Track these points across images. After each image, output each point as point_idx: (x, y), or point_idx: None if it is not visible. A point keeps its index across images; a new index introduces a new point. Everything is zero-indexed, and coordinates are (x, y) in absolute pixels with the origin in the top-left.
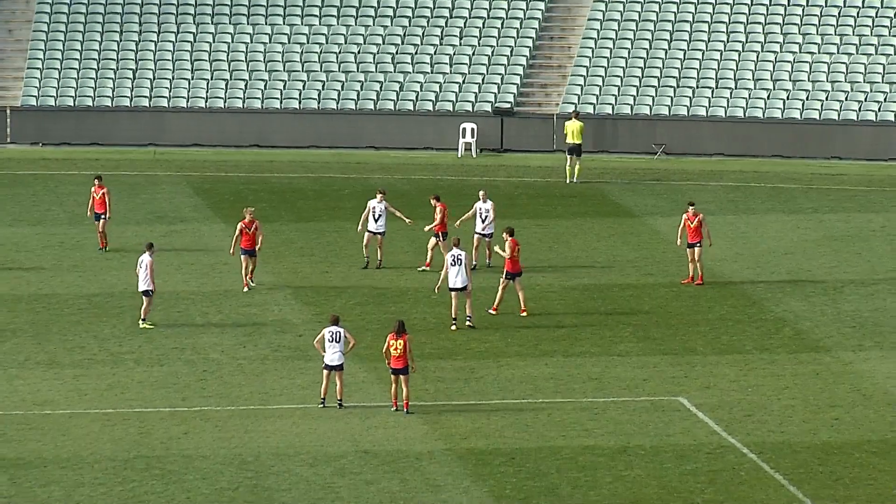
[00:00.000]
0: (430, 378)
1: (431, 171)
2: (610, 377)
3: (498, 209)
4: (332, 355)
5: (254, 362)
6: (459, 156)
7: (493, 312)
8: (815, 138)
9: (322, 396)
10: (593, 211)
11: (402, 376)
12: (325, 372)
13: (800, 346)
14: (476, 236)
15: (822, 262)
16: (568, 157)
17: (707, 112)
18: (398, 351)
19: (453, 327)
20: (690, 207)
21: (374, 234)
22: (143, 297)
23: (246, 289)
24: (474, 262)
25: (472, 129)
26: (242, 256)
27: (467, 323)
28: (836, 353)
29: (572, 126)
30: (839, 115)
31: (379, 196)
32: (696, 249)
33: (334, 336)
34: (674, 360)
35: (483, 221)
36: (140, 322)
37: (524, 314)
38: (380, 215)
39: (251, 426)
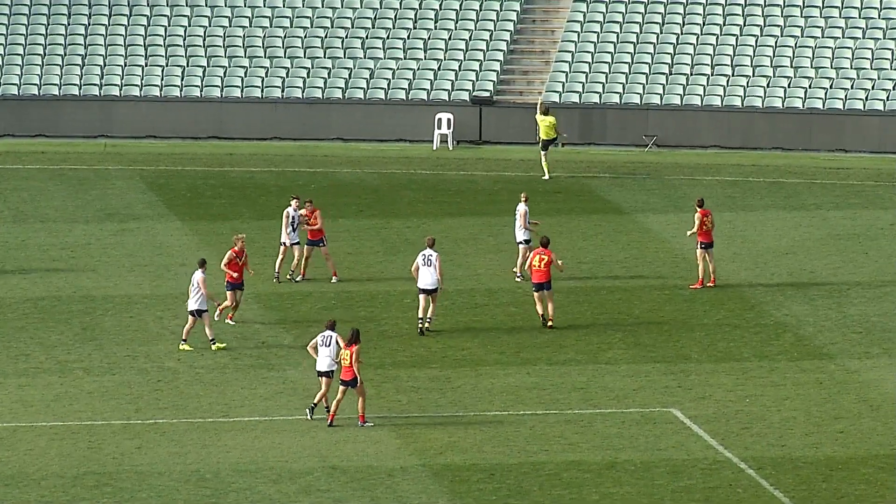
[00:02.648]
0: (404, 388)
1: (404, 164)
2: (597, 387)
3: (476, 206)
4: (322, 360)
5: (213, 371)
6: (435, 148)
7: (550, 325)
8: (818, 129)
9: (314, 402)
10: (579, 208)
11: (350, 388)
12: (320, 379)
13: (802, 353)
14: (521, 246)
15: (826, 262)
16: (542, 152)
17: (702, 101)
18: (346, 361)
19: (420, 328)
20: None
21: (289, 245)
22: (189, 317)
23: (225, 319)
24: (520, 275)
25: (449, 120)
26: (228, 292)
27: (426, 325)
28: (841, 361)
29: (542, 121)
30: (845, 104)
31: (294, 203)
32: (710, 251)
33: (325, 340)
34: (666, 369)
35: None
36: (181, 343)
37: (550, 325)
38: (298, 224)
39: (210, 440)
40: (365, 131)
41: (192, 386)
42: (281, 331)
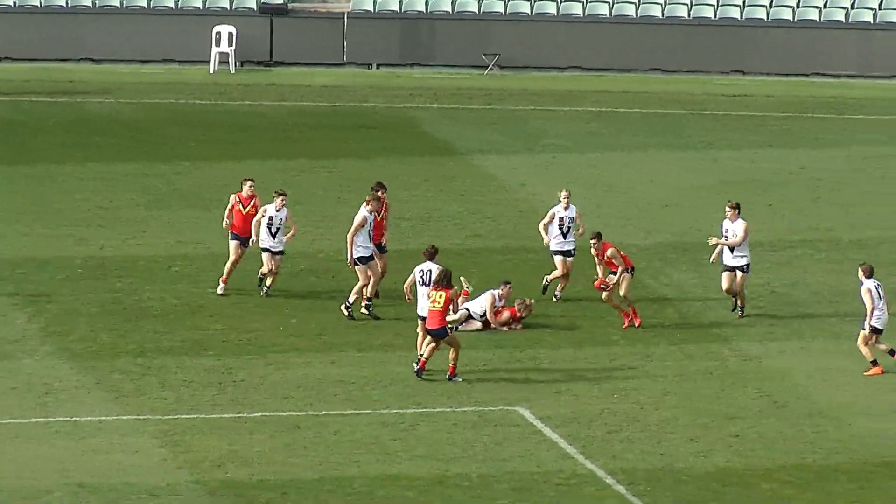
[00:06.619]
0: (171, 382)
1: (173, 92)
2: (421, 379)
3: (266, 145)
4: (424, 301)
5: None
6: (212, 71)
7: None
8: (709, 45)
9: (420, 353)
10: (400, 147)
11: (440, 340)
12: (420, 323)
13: (687, 335)
14: (558, 257)
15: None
16: None
17: (558, 9)
18: (437, 305)
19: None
20: (592, 242)
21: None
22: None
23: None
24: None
25: (230, 34)
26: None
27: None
28: (737, 344)
29: None
30: (742, 13)
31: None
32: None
33: (425, 276)
34: (511, 356)
35: (564, 234)
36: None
37: None
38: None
39: None
40: (122, 49)
41: None
42: (12, 308)
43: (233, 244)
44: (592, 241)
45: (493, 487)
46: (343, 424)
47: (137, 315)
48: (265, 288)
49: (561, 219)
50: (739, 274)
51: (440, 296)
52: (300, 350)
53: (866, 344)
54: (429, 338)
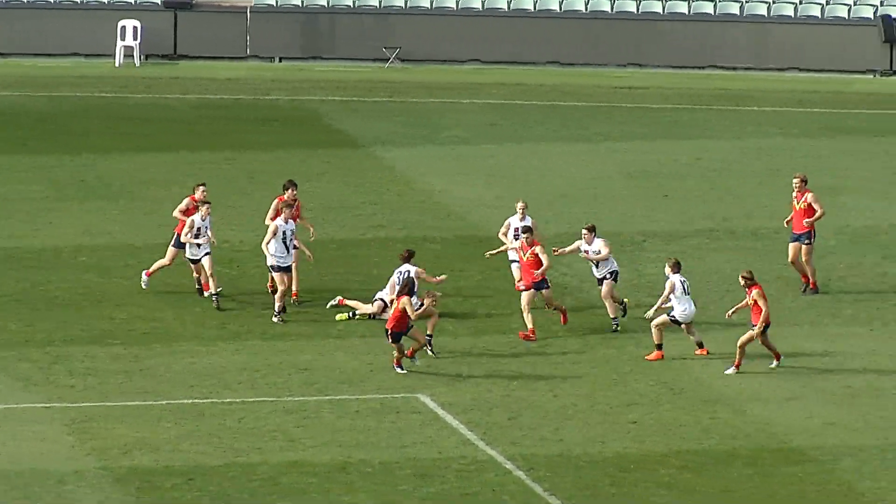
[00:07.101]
0: (78, 370)
1: (79, 86)
2: (324, 367)
3: (170, 138)
4: None
5: None
6: (117, 65)
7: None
8: (606, 38)
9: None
10: (301, 140)
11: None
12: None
13: (585, 323)
14: (515, 265)
15: (615, 207)
16: None
17: (457, 3)
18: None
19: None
20: (524, 236)
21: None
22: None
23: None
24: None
25: (135, 28)
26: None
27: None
28: (634, 333)
29: None
30: (638, 6)
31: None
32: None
33: (400, 278)
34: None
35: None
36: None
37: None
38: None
39: None
40: (28, 43)
41: None
42: None
43: (174, 250)
44: (525, 235)
45: (395, 474)
46: (247, 412)
47: (45, 305)
48: (213, 294)
49: (516, 229)
50: (605, 283)
51: (400, 302)
52: (205, 339)
53: (658, 328)
54: (432, 320)
